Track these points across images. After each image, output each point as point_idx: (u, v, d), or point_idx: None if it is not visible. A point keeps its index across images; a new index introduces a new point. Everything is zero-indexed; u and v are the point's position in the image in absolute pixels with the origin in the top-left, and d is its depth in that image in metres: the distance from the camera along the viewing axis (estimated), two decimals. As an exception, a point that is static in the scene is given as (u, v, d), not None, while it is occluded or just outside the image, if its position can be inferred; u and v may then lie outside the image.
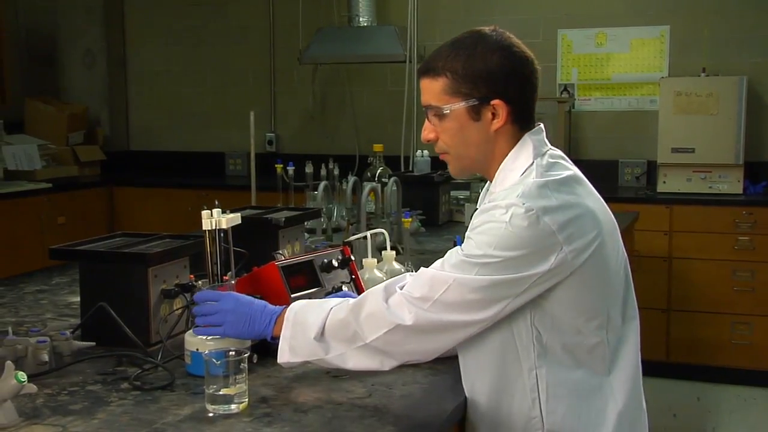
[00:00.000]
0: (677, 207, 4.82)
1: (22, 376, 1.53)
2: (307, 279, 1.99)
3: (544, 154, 1.71)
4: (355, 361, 1.68)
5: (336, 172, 3.63)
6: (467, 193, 4.04)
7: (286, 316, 1.73)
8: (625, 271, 1.76)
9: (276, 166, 3.57)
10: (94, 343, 1.89)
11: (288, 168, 3.56)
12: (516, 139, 1.72)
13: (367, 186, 3.05)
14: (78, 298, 2.11)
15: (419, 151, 4.17)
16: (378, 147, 3.80)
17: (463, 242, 1.71)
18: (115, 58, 6.61)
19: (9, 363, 1.54)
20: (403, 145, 5.40)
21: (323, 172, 3.59)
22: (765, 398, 4.61)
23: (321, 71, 6.13)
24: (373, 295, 1.67)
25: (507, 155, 1.72)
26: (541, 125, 1.76)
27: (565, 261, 1.59)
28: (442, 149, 1.76)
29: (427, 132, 1.75)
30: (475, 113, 1.69)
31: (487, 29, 1.72)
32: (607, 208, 1.75)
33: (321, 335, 1.69)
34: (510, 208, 1.59)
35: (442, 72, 1.69)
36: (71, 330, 1.96)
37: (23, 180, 5.55)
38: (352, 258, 2.12)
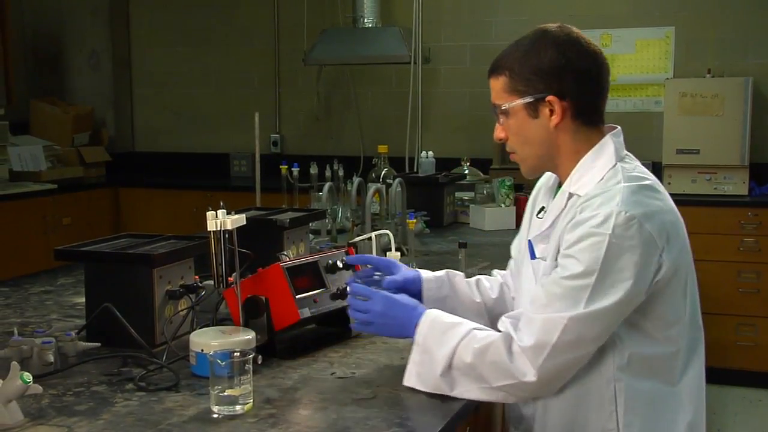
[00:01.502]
0: (682, 208, 4.70)
1: (28, 376, 1.53)
2: (311, 280, 1.99)
3: (624, 158, 1.70)
4: (479, 396, 1.65)
5: (341, 173, 3.63)
6: (472, 194, 4.04)
7: (416, 338, 1.71)
8: (694, 275, 1.72)
9: (281, 167, 3.57)
10: (99, 344, 1.90)
11: (293, 169, 3.56)
12: (582, 135, 1.70)
13: (372, 187, 3.05)
14: (83, 299, 2.11)
15: (424, 152, 4.17)
16: (383, 148, 3.81)
17: (535, 248, 1.71)
18: (121, 59, 6.63)
19: (14, 363, 1.55)
20: (408, 146, 5.40)
21: (328, 173, 3.59)
22: (770, 400, 4.61)
23: (325, 72, 6.13)
24: (495, 343, 1.61)
25: (575, 152, 1.70)
26: (619, 128, 1.75)
27: (663, 268, 1.58)
28: (511, 149, 1.77)
29: (498, 131, 1.77)
30: (533, 110, 1.69)
31: (552, 26, 1.73)
32: None
33: (447, 371, 1.65)
34: (609, 217, 1.56)
35: (502, 71, 1.72)
36: (76, 331, 1.96)
37: (28, 181, 5.55)
38: (357, 259, 2.11)
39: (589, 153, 1.70)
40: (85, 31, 6.51)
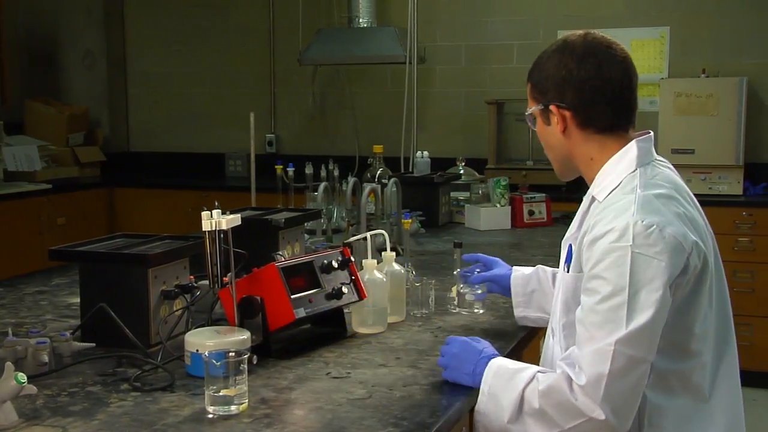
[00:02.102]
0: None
1: (22, 377, 1.53)
2: (306, 280, 1.99)
3: (648, 164, 1.69)
4: None
5: (336, 173, 3.63)
6: (467, 194, 4.04)
7: (482, 387, 1.68)
8: (723, 284, 1.70)
9: (276, 167, 3.57)
10: (94, 344, 1.89)
11: (288, 169, 3.56)
12: (595, 143, 1.71)
13: (367, 187, 3.05)
14: (78, 299, 2.11)
15: (419, 152, 4.17)
16: (378, 148, 3.80)
17: (572, 258, 1.69)
18: (115, 59, 6.61)
19: (9, 364, 1.54)
20: (403, 146, 5.40)
21: (323, 173, 3.59)
22: (765, 399, 4.61)
23: (321, 72, 6.13)
24: (557, 384, 1.57)
25: (588, 158, 1.72)
26: (651, 133, 1.74)
27: (689, 271, 1.56)
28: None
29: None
30: (546, 118, 1.75)
31: (575, 34, 1.73)
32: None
33: (517, 417, 1.61)
34: (627, 229, 1.54)
35: (528, 80, 1.79)
36: (71, 331, 1.96)
37: (23, 181, 5.55)
38: (352, 259, 2.11)
39: (613, 158, 1.70)
40: (79, 31, 6.50)
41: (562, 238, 1.83)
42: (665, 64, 5.38)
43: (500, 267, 2.22)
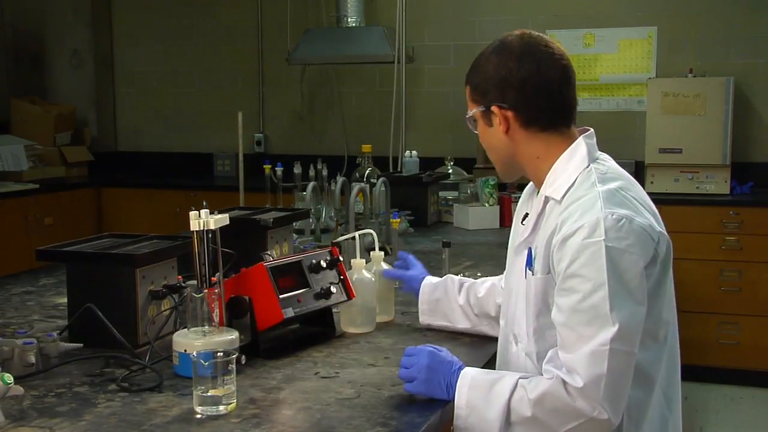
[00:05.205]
0: (665, 207, 4.77)
1: (9, 377, 1.52)
2: (295, 280, 1.99)
3: (596, 160, 1.70)
4: None
5: (324, 172, 3.63)
6: (456, 193, 4.04)
7: (456, 401, 1.64)
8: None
9: (264, 166, 3.57)
10: (81, 345, 1.89)
11: (276, 169, 3.55)
12: (540, 141, 1.70)
13: (356, 186, 3.05)
14: (65, 300, 2.10)
15: (408, 151, 4.17)
16: (366, 147, 3.80)
17: (523, 255, 1.69)
18: (103, 58, 6.59)
19: (-5, 365, 1.54)
20: (392, 145, 5.41)
21: (312, 172, 3.59)
22: (751, 398, 4.63)
23: (309, 72, 6.13)
24: (551, 390, 1.55)
25: (534, 157, 1.70)
26: (592, 130, 1.75)
27: (657, 260, 1.58)
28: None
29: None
30: (487, 119, 1.73)
31: (512, 35, 1.72)
32: None
33: (506, 429, 1.59)
34: (598, 224, 1.54)
35: (467, 81, 1.78)
36: (58, 331, 1.95)
37: (10, 181, 5.52)
38: (341, 259, 2.11)
39: (563, 156, 1.69)
40: (66, 30, 6.47)
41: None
42: (653, 63, 5.40)
43: (417, 269, 2.26)
